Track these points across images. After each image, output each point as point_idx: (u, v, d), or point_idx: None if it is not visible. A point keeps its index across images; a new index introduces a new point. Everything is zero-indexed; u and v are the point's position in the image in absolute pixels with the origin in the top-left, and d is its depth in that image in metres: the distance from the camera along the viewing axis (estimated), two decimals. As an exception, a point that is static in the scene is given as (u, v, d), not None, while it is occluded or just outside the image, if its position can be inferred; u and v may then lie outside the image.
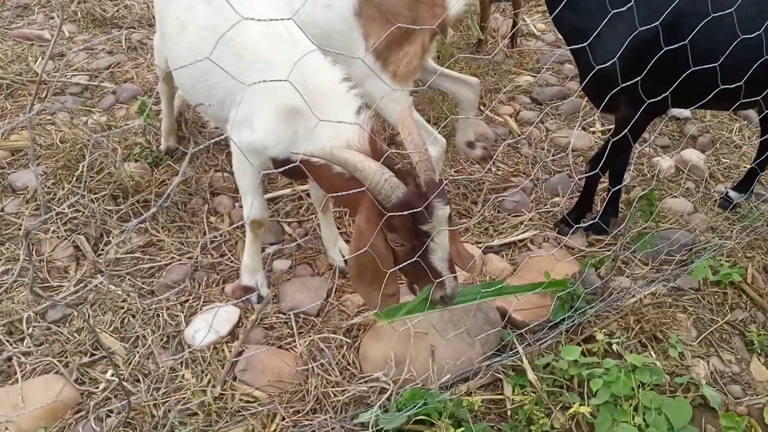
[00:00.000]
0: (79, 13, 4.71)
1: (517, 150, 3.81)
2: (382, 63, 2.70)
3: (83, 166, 3.15)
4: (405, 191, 1.91)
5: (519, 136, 3.91)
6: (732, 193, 3.39)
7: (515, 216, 3.28)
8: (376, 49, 2.62)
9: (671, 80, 2.38)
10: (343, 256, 2.87)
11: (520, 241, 3.13)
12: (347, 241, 3.00)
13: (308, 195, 3.26)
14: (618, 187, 3.03)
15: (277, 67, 2.18)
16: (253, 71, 2.21)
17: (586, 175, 3.02)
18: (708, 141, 3.95)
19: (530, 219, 3.25)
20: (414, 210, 1.88)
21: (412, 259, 1.98)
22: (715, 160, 3.82)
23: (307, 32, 2.33)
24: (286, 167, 2.28)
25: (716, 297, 2.87)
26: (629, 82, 2.33)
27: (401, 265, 2.04)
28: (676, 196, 3.46)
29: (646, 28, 2.30)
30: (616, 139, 2.66)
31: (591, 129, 4.04)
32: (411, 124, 2.11)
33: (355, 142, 2.06)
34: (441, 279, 2.02)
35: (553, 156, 3.76)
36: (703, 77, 2.40)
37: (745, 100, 2.59)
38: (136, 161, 3.35)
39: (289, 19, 1.72)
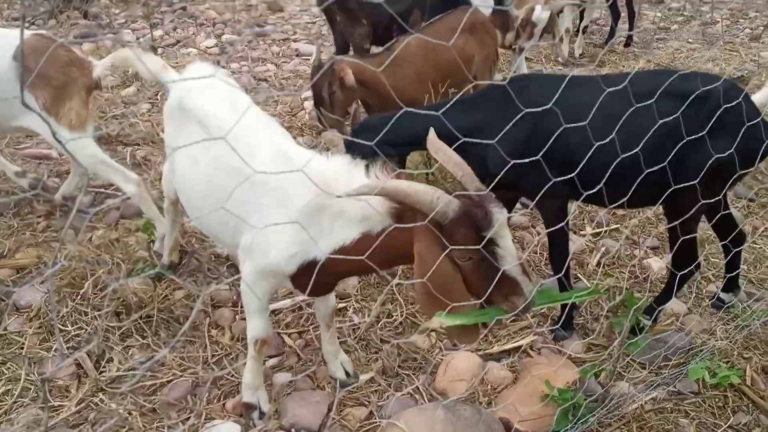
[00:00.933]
0: (85, 132, 4.90)
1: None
2: (56, 118, 3.34)
3: (88, 284, 3.21)
4: (459, 204, 1.92)
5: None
6: (723, 295, 3.44)
7: (513, 321, 3.32)
8: (46, 107, 3.29)
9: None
10: (345, 369, 2.89)
11: (519, 347, 3.15)
12: (347, 351, 3.03)
13: (308, 305, 3.31)
14: (567, 282, 3.13)
15: (288, 184, 2.24)
16: (265, 191, 2.29)
17: (556, 276, 3.13)
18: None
19: (528, 325, 3.30)
20: (475, 220, 1.90)
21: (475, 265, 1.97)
22: (704, 260, 3.90)
23: None
24: (306, 281, 2.22)
25: (717, 400, 2.87)
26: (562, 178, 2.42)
27: (472, 280, 2.00)
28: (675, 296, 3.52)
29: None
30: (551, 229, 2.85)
31: (581, 232, 4.15)
32: (442, 146, 2.17)
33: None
34: (516, 286, 1.97)
35: (546, 259, 3.84)
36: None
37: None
38: (139, 276, 3.41)
39: (298, 170, 1.82)
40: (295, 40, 7.47)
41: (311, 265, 2.23)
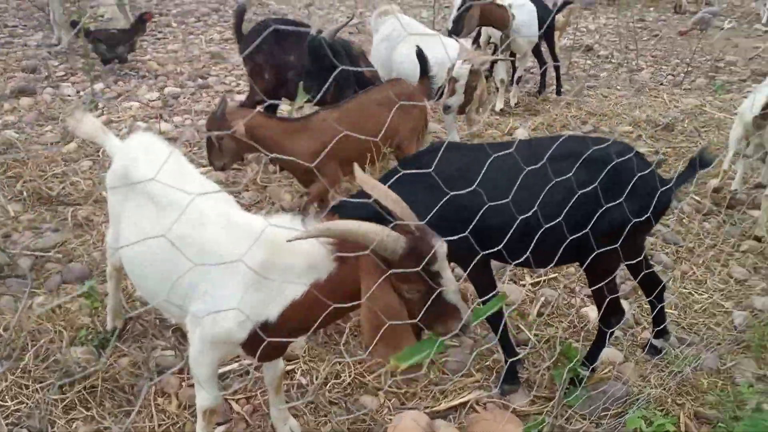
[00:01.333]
0: (24, 192, 4.82)
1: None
2: None
3: (29, 356, 3.15)
4: (406, 240, 2.03)
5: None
6: (655, 342, 3.61)
7: (460, 377, 3.39)
8: None
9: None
10: (294, 434, 2.91)
11: (466, 403, 3.22)
12: (296, 415, 3.04)
13: (255, 368, 3.32)
14: (506, 336, 3.27)
15: (235, 249, 2.23)
16: (214, 258, 2.29)
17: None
18: (630, 288, 4.24)
19: (475, 380, 3.38)
20: (423, 254, 2.00)
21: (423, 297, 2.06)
22: (638, 307, 4.08)
23: None
24: (257, 345, 2.26)
25: (654, 448, 3.00)
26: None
27: (418, 311, 2.09)
28: (607, 347, 3.66)
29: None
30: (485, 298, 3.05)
31: (521, 282, 4.29)
32: (376, 183, 2.26)
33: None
34: (456, 311, 2.10)
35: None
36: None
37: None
38: (83, 345, 3.36)
39: (239, 263, 1.89)
40: (239, 92, 7.52)
41: (263, 327, 2.27)
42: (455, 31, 6.50)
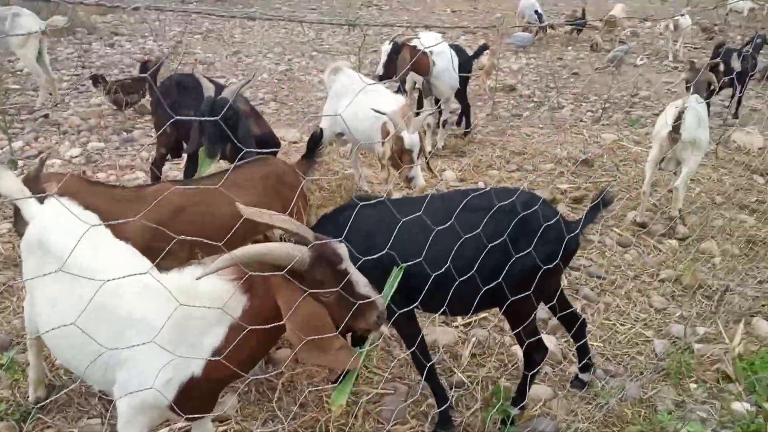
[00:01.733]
0: (-62, 261, 4.63)
1: (389, 353, 4.03)
2: None
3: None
4: (310, 249, 2.13)
5: (389, 338, 4.15)
6: (582, 376, 3.72)
7: (395, 425, 3.40)
8: None
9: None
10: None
11: (400, 451, 3.24)
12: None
13: (187, 432, 3.25)
14: (436, 382, 3.30)
15: (151, 312, 2.28)
16: (130, 324, 2.31)
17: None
18: (558, 323, 4.35)
19: (410, 427, 3.39)
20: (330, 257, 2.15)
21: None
22: (565, 341, 4.20)
23: None
24: (186, 402, 2.29)
25: (584, 483, 3.08)
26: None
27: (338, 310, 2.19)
28: (537, 383, 3.75)
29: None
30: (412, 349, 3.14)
31: (454, 323, 4.36)
32: (262, 210, 2.34)
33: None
34: (372, 303, 2.21)
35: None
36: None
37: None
38: (2, 420, 3.22)
39: (158, 323, 1.89)
40: (165, 144, 7.44)
41: (190, 383, 2.28)
42: (386, 75, 6.66)
